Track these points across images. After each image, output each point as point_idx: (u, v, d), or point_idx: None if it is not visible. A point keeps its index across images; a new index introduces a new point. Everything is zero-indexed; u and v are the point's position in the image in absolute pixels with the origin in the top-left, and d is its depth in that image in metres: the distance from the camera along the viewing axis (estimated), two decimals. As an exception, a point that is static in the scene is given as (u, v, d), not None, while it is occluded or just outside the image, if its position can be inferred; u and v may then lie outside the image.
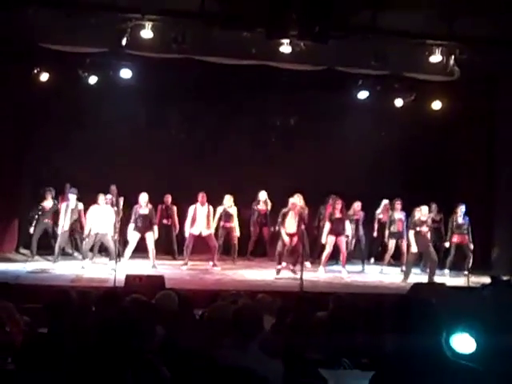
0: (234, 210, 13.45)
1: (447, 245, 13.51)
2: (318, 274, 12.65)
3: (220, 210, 13.31)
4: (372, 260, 14.64)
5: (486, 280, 10.11)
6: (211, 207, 13.07)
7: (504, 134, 14.23)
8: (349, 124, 14.56)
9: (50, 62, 12.89)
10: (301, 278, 11.22)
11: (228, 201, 13.31)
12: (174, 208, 13.87)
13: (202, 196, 12.97)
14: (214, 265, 12.96)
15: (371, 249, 14.67)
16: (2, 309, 5.84)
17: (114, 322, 4.21)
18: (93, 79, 13.15)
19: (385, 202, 14.27)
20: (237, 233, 13.61)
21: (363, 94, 13.96)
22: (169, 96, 14.21)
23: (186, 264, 12.92)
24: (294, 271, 12.26)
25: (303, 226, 12.54)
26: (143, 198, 12.76)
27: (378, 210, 14.36)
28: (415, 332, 4.04)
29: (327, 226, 12.85)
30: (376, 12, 11.09)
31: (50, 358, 4.07)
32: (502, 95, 14.08)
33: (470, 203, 13.31)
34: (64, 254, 13.14)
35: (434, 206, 13.83)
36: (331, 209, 12.99)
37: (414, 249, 12.32)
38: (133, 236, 12.79)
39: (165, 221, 13.85)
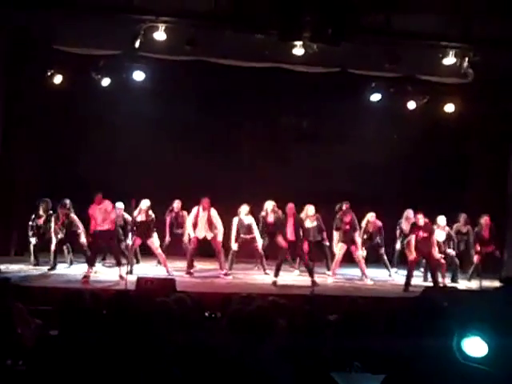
0: (250, 219, 12.63)
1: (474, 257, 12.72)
2: (328, 281, 12.35)
3: (235, 220, 12.63)
4: (395, 269, 13.45)
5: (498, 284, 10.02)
6: (214, 211, 12.37)
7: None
8: (361, 126, 14.49)
9: (63, 64, 12.92)
10: (312, 281, 11.30)
11: (243, 210, 12.56)
12: (185, 214, 12.84)
13: (205, 201, 12.25)
14: (226, 274, 12.26)
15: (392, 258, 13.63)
16: (15, 311, 5.89)
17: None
18: (106, 81, 13.16)
19: (408, 211, 13.24)
20: (259, 242, 12.67)
21: (376, 97, 13.91)
22: (182, 98, 14.17)
23: (190, 272, 12.29)
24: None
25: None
26: (144, 204, 12.23)
27: (401, 220, 13.43)
28: (426, 335, 4.03)
29: (335, 235, 12.71)
30: (389, 14, 11.06)
31: (61, 361, 4.08)
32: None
33: (483, 205, 13.14)
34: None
35: (462, 217, 13.15)
36: (339, 221, 12.61)
37: (412, 256, 11.93)
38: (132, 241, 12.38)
39: (179, 230, 13.00)
